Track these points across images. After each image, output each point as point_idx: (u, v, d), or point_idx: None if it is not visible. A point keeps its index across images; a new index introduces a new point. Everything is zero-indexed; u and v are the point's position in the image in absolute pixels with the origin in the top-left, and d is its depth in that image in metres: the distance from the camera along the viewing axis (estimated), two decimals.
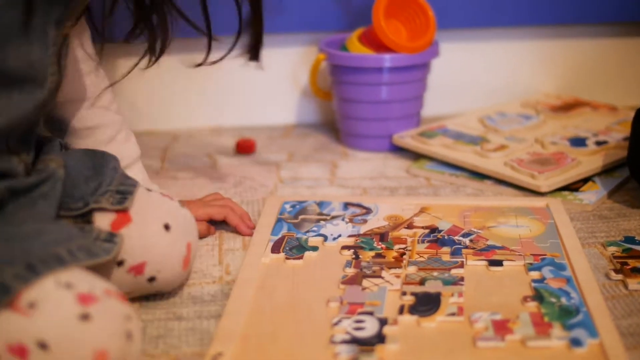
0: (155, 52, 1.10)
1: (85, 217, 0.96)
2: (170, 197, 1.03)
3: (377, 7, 1.46)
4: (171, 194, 1.13)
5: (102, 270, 0.91)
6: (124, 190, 0.97)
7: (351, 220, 1.19)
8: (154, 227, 0.97)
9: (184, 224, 1.00)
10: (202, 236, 1.16)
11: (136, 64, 1.10)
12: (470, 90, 1.70)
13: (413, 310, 0.96)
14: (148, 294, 1.01)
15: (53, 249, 0.81)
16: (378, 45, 1.48)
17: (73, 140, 1.09)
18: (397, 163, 1.45)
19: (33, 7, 0.86)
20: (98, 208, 0.96)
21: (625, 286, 1.03)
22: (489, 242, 1.12)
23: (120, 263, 0.96)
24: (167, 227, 0.98)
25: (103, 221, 0.96)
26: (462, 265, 1.06)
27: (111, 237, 0.92)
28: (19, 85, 0.88)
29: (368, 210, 1.22)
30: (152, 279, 0.98)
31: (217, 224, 1.20)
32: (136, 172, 1.12)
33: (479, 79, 1.70)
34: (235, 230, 1.19)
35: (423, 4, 1.49)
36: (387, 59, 1.46)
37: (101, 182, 0.97)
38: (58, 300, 0.77)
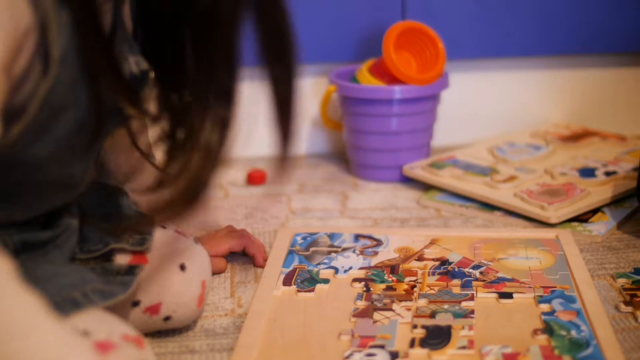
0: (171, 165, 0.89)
1: (105, 256, 0.96)
2: (185, 234, 1.03)
3: (388, 39, 1.47)
4: (182, 224, 1.14)
5: (118, 310, 0.91)
6: (142, 230, 0.98)
7: (362, 252, 1.20)
8: (169, 268, 0.98)
9: (199, 262, 1.01)
10: (220, 272, 1.17)
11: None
12: (479, 120, 1.71)
13: (424, 343, 0.97)
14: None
15: (68, 293, 0.82)
16: (388, 76, 1.49)
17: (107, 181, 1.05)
18: (408, 194, 1.46)
19: (100, 134, 0.85)
20: (119, 248, 0.96)
21: (635, 319, 1.04)
22: (499, 274, 1.13)
23: (135, 303, 0.97)
24: (182, 267, 0.99)
25: (121, 261, 0.96)
26: (472, 298, 1.07)
27: (131, 270, 0.93)
28: (54, 190, 0.87)
29: (379, 242, 1.23)
30: (167, 319, 0.99)
31: (228, 256, 1.20)
32: None
33: (489, 109, 1.71)
34: (251, 261, 1.20)
35: (433, 35, 1.51)
36: (397, 91, 1.47)
37: (119, 220, 0.98)
38: (75, 349, 0.78)
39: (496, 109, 1.71)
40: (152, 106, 0.91)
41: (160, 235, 1.00)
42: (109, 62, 0.81)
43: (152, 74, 0.91)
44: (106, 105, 0.83)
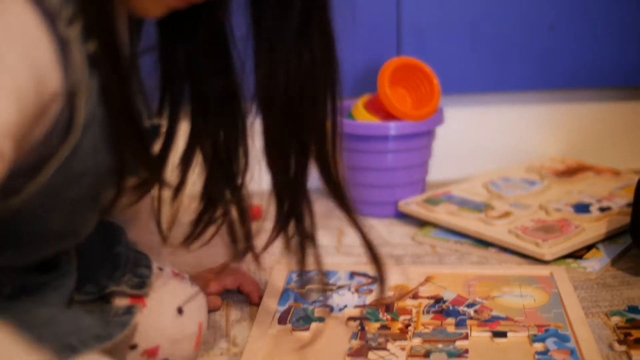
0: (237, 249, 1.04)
1: (104, 298, 0.97)
2: (181, 275, 1.04)
3: (383, 75, 1.48)
4: (178, 261, 1.15)
5: (116, 354, 0.92)
6: (142, 274, 0.99)
7: (357, 290, 1.21)
8: (167, 312, 0.99)
9: (196, 304, 1.02)
10: (215, 309, 1.17)
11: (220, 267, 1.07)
12: (475, 155, 1.72)
13: None
14: None
15: (65, 339, 0.82)
16: (384, 112, 1.50)
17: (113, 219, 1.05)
18: (403, 230, 1.46)
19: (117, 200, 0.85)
20: (118, 291, 0.97)
21: (629, 358, 1.04)
22: (494, 313, 1.13)
23: (133, 347, 0.97)
24: (179, 310, 0.99)
25: (119, 303, 0.97)
26: (466, 337, 1.07)
27: (129, 310, 0.94)
28: (56, 239, 0.87)
29: (374, 280, 1.23)
30: None
31: (223, 293, 1.21)
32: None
33: (484, 143, 1.72)
34: (247, 298, 1.20)
35: (428, 72, 1.52)
36: (392, 127, 1.48)
37: (117, 263, 0.98)
38: None
39: (492, 143, 1.73)
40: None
41: (157, 279, 1.00)
42: (135, 132, 0.81)
43: (162, 129, 0.93)
44: (127, 173, 0.84)
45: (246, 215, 1.01)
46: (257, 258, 1.04)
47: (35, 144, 0.75)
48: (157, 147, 0.95)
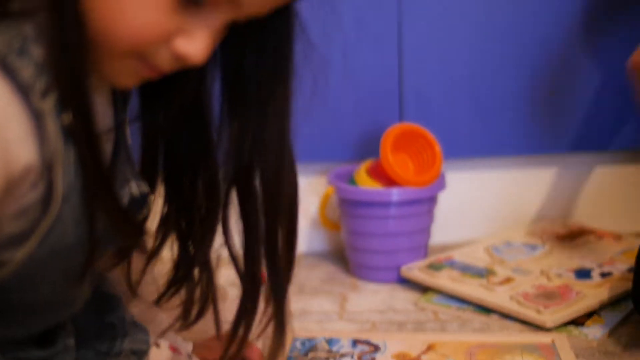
0: (190, 315, 0.99)
1: None
2: (180, 351, 1.04)
3: (385, 141, 1.50)
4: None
5: None
6: (139, 350, 0.99)
7: (360, 359, 1.21)
8: None
9: None
10: None
11: (165, 330, 1.02)
12: (476, 218, 1.73)
13: None
14: None
15: None
16: (386, 178, 1.51)
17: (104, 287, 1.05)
18: (406, 295, 1.47)
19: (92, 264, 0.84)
20: None
21: None
22: None
23: None
24: None
25: None
26: None
27: None
28: (48, 309, 0.88)
29: (376, 348, 1.24)
30: None
31: None
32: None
33: (486, 206, 1.74)
34: None
35: (430, 138, 1.54)
36: (395, 194, 1.49)
37: (114, 337, 0.98)
38: None
39: (493, 206, 1.74)
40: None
41: (155, 355, 1.01)
42: (113, 202, 0.81)
43: (152, 197, 0.93)
44: (102, 244, 0.83)
45: (212, 287, 1.00)
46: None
47: (14, 216, 0.75)
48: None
